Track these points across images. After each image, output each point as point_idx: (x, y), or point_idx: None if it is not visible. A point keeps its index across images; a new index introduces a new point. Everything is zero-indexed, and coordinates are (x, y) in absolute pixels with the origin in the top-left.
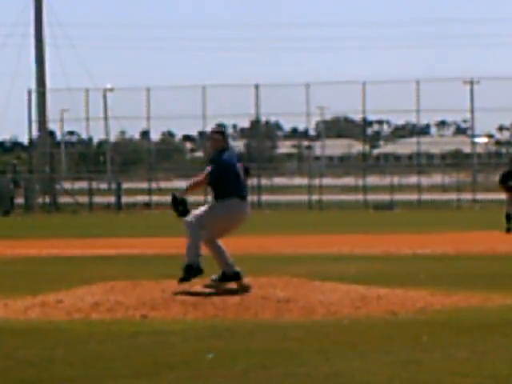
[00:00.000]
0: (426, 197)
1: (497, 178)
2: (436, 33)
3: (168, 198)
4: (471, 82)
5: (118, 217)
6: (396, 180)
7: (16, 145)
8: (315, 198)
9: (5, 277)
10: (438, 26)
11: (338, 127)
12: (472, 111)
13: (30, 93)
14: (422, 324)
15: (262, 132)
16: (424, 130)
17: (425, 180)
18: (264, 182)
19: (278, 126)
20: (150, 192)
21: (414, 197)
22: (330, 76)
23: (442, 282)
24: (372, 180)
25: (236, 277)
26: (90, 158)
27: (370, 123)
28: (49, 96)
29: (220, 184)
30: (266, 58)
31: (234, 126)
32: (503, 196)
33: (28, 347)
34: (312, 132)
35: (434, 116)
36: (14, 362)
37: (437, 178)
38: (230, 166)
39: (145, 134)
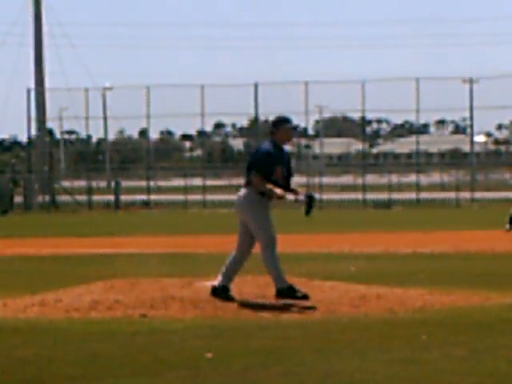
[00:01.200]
0: (424, 195)
1: (496, 176)
2: (435, 32)
3: (167, 197)
4: (470, 81)
5: (117, 215)
6: (395, 179)
7: (15, 144)
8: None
9: (4, 276)
10: (437, 24)
11: (336, 126)
12: (471, 110)
13: (29, 92)
14: (421, 323)
15: (260, 131)
16: (423, 129)
17: (424, 179)
18: None
19: None
20: (148, 191)
21: (412, 195)
22: (328, 75)
23: (441, 281)
24: (371, 179)
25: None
26: (88, 156)
27: (369, 122)
28: (48, 95)
29: None
30: (264, 57)
31: (233, 125)
32: (502, 194)
33: (27, 346)
34: (311, 131)
35: (433, 115)
36: (13, 360)
37: (436, 177)
38: None
39: (143, 132)
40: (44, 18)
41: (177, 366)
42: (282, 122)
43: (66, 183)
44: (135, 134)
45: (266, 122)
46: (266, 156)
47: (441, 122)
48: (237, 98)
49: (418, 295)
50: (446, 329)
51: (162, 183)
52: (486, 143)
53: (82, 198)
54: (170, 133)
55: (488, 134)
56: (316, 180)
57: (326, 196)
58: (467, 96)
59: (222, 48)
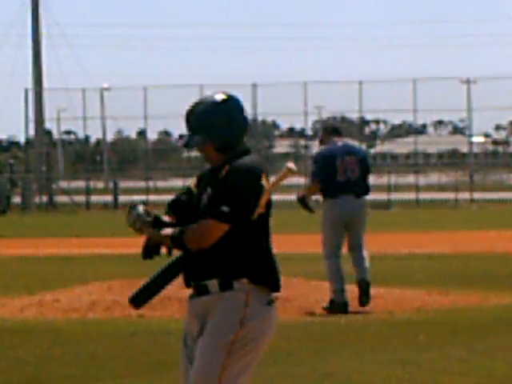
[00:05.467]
0: (423, 196)
1: (494, 177)
2: (433, 32)
3: (165, 198)
4: (468, 82)
5: (115, 216)
6: (393, 179)
7: (13, 144)
8: (312, 197)
9: (2, 276)
10: (435, 25)
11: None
12: (469, 110)
13: (26, 92)
14: (419, 323)
15: (259, 131)
16: (421, 130)
17: (422, 179)
18: None
19: (275, 126)
20: (147, 191)
21: (411, 196)
22: (327, 75)
23: (439, 282)
24: (369, 179)
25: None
26: (86, 157)
27: (367, 122)
28: (46, 95)
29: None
30: (263, 58)
31: None
32: (501, 195)
33: (25, 346)
34: (309, 131)
35: (431, 115)
36: (11, 361)
37: (434, 178)
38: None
39: (141, 133)
40: (42, 19)
41: (174, 366)
42: None
43: (63, 184)
44: (133, 135)
45: (264, 122)
46: None
47: (439, 123)
48: None
49: (416, 296)
50: (443, 329)
51: (160, 184)
52: (484, 144)
53: (80, 198)
54: (168, 133)
55: (486, 135)
56: None
57: None
58: (465, 97)
59: (220, 48)
